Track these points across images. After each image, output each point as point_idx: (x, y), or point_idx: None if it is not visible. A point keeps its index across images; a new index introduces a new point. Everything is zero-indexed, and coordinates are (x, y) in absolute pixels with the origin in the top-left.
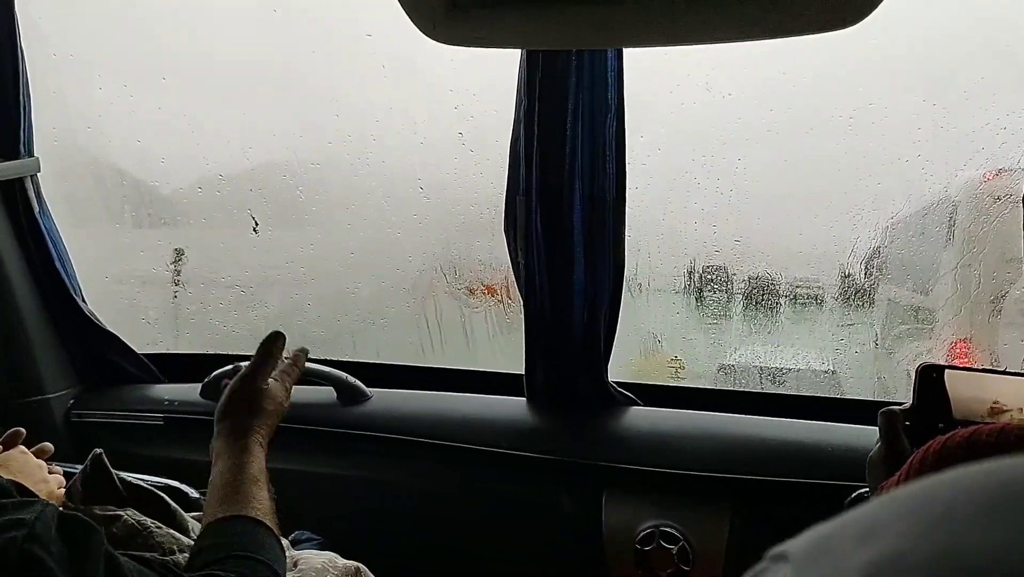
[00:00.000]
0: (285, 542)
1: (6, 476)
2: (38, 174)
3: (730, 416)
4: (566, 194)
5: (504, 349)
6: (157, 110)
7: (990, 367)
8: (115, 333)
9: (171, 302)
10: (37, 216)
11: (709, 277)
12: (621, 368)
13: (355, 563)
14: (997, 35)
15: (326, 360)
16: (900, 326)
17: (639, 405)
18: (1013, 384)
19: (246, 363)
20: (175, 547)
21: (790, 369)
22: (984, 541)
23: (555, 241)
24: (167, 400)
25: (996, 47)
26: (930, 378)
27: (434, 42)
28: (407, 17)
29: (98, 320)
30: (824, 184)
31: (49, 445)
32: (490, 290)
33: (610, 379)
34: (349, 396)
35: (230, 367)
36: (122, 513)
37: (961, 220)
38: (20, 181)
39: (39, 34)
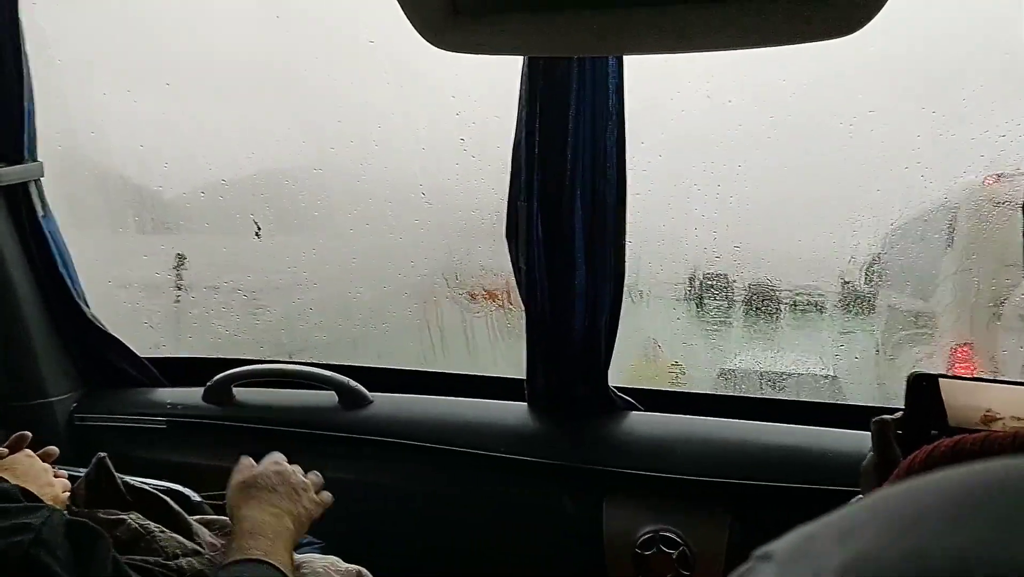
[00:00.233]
0: None
1: (12, 480)
2: (41, 178)
3: (730, 421)
4: (567, 199)
5: (505, 354)
6: (160, 115)
7: (985, 375)
8: (117, 337)
9: (173, 306)
10: (40, 220)
11: (710, 284)
12: (621, 373)
13: (356, 567)
14: (996, 40)
15: (328, 364)
16: (901, 332)
17: (639, 410)
18: (1006, 392)
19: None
20: (178, 551)
21: (791, 374)
22: (950, 542)
23: (556, 246)
24: (169, 404)
25: (996, 52)
26: (920, 387)
27: (436, 48)
28: (409, 23)
29: (101, 324)
30: (824, 190)
31: (54, 448)
32: (491, 295)
33: (611, 384)
34: (351, 400)
35: (232, 371)
36: (126, 517)
37: (961, 225)
38: (24, 185)
39: (42, 39)
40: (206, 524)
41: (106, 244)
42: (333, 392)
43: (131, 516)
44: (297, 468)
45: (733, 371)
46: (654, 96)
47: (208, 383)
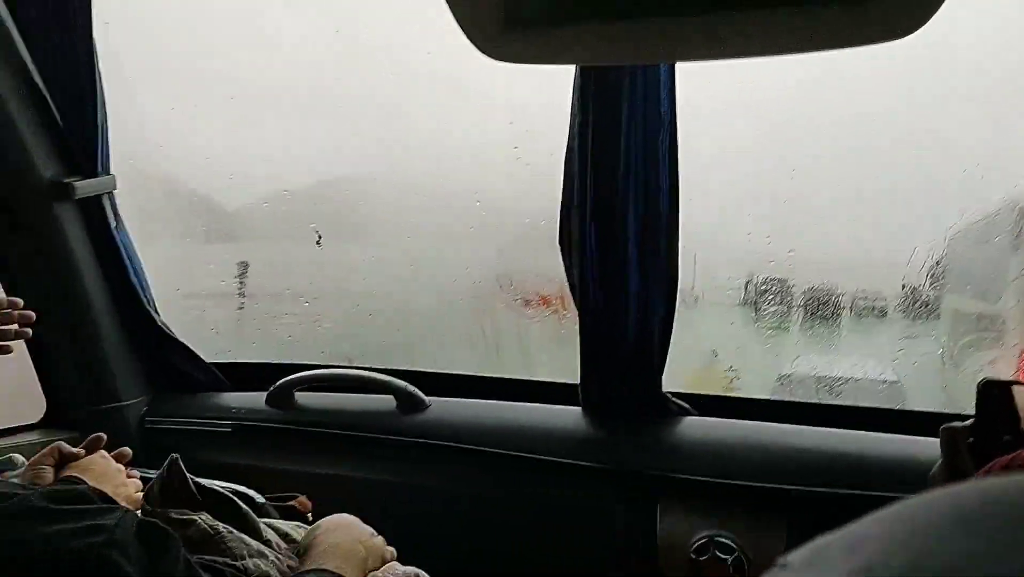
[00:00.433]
0: None
1: (89, 480)
2: (114, 191)
3: (787, 426)
4: (619, 206)
5: (559, 359)
6: (224, 129)
7: None
8: (186, 343)
9: (237, 313)
10: (114, 231)
11: (767, 289)
12: (676, 379)
13: (414, 569)
14: None
15: (386, 369)
16: (966, 336)
17: (694, 415)
18: None
19: None
20: (245, 552)
21: (850, 379)
22: (951, 553)
23: (608, 253)
24: (234, 408)
25: None
26: (992, 394)
27: (490, 60)
28: (463, 35)
29: (170, 330)
30: (882, 194)
31: (128, 450)
32: (545, 301)
33: (665, 389)
34: (408, 404)
35: (294, 376)
36: (196, 517)
37: None
38: (98, 198)
39: (116, 60)
40: (274, 529)
41: (174, 253)
42: (391, 396)
43: (201, 516)
44: None
45: (790, 376)
46: (706, 101)
47: (271, 388)
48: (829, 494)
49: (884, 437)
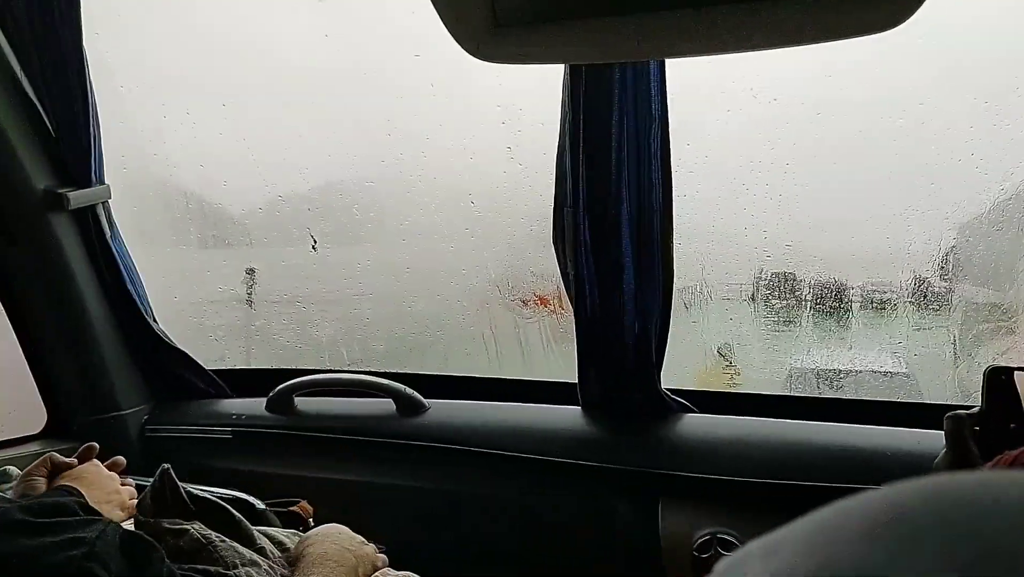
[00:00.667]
0: None
1: (82, 489)
2: (109, 200)
3: (788, 422)
4: (613, 204)
5: (558, 359)
6: (217, 135)
7: None
8: (184, 350)
9: (237, 319)
10: (109, 240)
11: (775, 284)
12: (682, 376)
13: (408, 573)
14: None
15: (385, 373)
16: (978, 326)
17: (694, 412)
18: None
19: None
20: (237, 561)
21: (858, 372)
22: (853, 561)
23: (603, 250)
24: (234, 414)
25: None
26: (999, 380)
27: (478, 60)
28: (451, 37)
29: (169, 338)
30: (883, 186)
31: (121, 459)
32: (542, 301)
33: (663, 386)
34: (408, 407)
35: (294, 382)
36: (189, 527)
37: None
38: (92, 208)
39: (107, 68)
40: (268, 538)
41: (170, 260)
42: (391, 400)
43: (194, 526)
44: None
45: (799, 370)
46: (699, 98)
47: (271, 393)
48: (832, 488)
49: (888, 431)
